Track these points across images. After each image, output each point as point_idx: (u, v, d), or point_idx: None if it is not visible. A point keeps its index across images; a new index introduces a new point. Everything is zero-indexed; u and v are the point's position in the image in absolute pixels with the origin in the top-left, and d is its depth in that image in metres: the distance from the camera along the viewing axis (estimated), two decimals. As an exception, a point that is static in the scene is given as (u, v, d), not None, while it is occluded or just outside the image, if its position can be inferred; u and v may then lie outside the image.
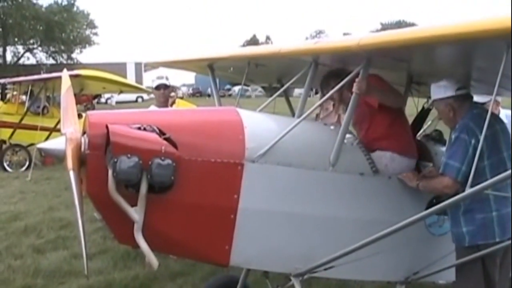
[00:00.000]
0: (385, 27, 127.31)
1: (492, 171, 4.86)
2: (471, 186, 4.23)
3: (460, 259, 5.26)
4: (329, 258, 4.96)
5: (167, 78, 9.57)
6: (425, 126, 6.78)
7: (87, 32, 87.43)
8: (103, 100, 58.50)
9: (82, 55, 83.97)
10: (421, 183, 5.27)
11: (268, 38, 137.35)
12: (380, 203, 5.32)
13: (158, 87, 9.40)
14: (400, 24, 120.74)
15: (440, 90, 5.24)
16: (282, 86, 7.51)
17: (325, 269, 5.08)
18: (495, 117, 5.27)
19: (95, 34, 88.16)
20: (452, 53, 4.63)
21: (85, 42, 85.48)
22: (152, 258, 4.52)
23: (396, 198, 5.37)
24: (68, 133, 4.55)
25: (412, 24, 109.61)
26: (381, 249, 5.00)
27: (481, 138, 4.35)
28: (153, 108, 8.54)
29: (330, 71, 5.92)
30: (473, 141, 4.91)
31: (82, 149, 4.52)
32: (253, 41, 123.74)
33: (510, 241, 5.03)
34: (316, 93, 9.32)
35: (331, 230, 5.12)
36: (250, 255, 5.01)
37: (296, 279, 5.19)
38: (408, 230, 4.84)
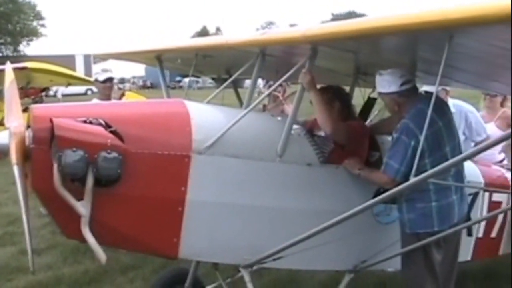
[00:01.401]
0: (335, 17, 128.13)
1: (433, 168, 4.90)
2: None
3: (403, 244, 5.39)
4: (277, 248, 4.98)
5: (111, 71, 9.46)
6: (372, 116, 6.84)
7: (34, 23, 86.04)
8: (51, 93, 57.71)
9: (30, 48, 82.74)
10: (363, 172, 5.35)
11: (218, 29, 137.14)
12: (328, 193, 5.35)
13: (105, 81, 9.25)
14: (350, 15, 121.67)
15: (384, 84, 5.27)
16: (231, 77, 7.50)
17: (274, 260, 5.11)
18: (441, 111, 5.27)
19: (43, 25, 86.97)
20: (397, 44, 4.68)
21: (32, 34, 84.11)
22: (99, 253, 4.49)
23: (344, 188, 5.41)
24: (12, 127, 4.48)
25: (363, 15, 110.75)
26: (329, 239, 5.03)
27: (422, 138, 4.43)
28: (95, 101, 8.41)
29: None
30: (412, 143, 4.99)
31: (27, 143, 4.44)
32: (203, 33, 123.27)
33: (449, 231, 5.21)
34: (268, 84, 9.33)
35: (280, 221, 5.14)
36: (198, 247, 5.00)
37: (245, 270, 5.22)
38: (356, 219, 4.87)
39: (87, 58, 79.95)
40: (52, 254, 9.26)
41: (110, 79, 9.32)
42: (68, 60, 58.46)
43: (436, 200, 5.21)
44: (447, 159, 4.94)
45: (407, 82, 5.25)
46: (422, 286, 5.38)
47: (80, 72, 50.08)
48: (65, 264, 8.81)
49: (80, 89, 53.57)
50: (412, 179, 4.35)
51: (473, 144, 7.94)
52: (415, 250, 5.28)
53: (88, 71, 69.03)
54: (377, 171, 5.32)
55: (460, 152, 5.36)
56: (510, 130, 4.48)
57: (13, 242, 10.01)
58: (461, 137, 7.81)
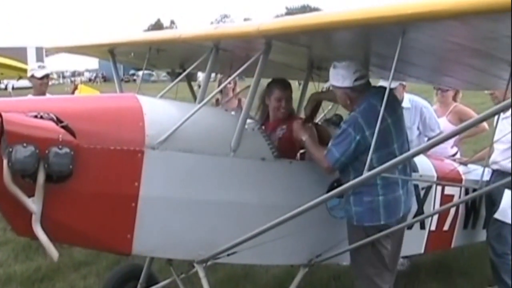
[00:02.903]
0: (290, 11, 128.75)
1: (380, 163, 4.79)
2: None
3: (350, 236, 5.46)
4: (231, 243, 4.97)
5: (47, 67, 9.31)
6: (325, 110, 6.86)
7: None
8: (2, 86, 56.75)
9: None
10: (308, 140, 5.46)
11: (172, 22, 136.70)
12: (282, 188, 5.36)
13: (42, 77, 9.06)
14: (304, 9, 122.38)
15: (339, 78, 5.28)
16: (185, 71, 7.46)
17: (228, 255, 5.10)
18: (391, 108, 5.26)
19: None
20: (351, 39, 4.71)
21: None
22: (51, 250, 4.44)
23: (298, 182, 5.42)
24: None
25: (317, 9, 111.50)
26: (283, 233, 5.04)
27: (375, 132, 4.44)
28: (30, 97, 8.18)
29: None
30: (358, 137, 5.10)
31: None
32: (158, 26, 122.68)
33: (395, 225, 5.33)
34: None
35: (233, 216, 5.13)
36: (152, 243, 4.96)
37: (200, 265, 5.19)
38: (310, 214, 4.91)
39: (39, 50, 78.89)
40: (3, 251, 9.11)
41: (47, 76, 9.17)
42: (19, 53, 57.49)
43: (383, 194, 5.27)
44: (395, 156, 5.01)
45: (361, 78, 5.28)
46: (372, 278, 5.44)
47: (32, 65, 49.29)
48: (16, 261, 8.68)
49: (32, 82, 52.77)
50: (366, 174, 4.41)
51: (426, 139, 8.01)
52: (366, 245, 5.33)
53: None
54: (320, 151, 5.38)
55: (408, 148, 5.45)
56: (461, 125, 4.52)
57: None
58: (415, 132, 7.92)
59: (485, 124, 7.99)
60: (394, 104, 5.43)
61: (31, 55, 77.13)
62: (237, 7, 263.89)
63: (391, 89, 5.64)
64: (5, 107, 4.47)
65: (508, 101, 3.93)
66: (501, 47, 4.07)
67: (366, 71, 5.45)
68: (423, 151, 4.51)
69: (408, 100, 8.05)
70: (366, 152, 4.64)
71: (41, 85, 9.09)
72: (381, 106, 4.51)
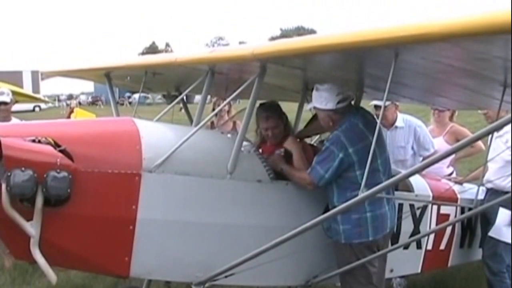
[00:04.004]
0: (284, 33, 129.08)
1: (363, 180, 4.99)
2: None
3: (338, 255, 5.53)
4: (229, 265, 4.99)
5: (8, 94, 9.06)
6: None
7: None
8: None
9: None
10: (285, 167, 5.53)
11: (167, 45, 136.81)
12: (279, 209, 5.40)
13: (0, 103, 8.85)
14: (299, 30, 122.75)
15: (322, 100, 5.39)
16: (181, 94, 7.51)
17: (226, 277, 5.11)
18: (371, 126, 5.35)
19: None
20: (345, 61, 4.77)
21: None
22: (50, 273, 4.47)
23: (294, 204, 5.46)
24: None
25: (312, 30, 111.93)
26: (280, 254, 5.06)
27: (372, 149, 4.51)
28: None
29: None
30: (340, 155, 5.23)
31: None
32: (152, 48, 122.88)
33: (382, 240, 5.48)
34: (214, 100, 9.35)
35: (231, 238, 5.16)
36: (150, 265, 4.97)
37: (198, 287, 5.21)
38: (306, 235, 4.97)
39: (34, 74, 79.02)
40: (0, 276, 9.08)
41: (5, 103, 8.91)
42: (15, 77, 57.64)
43: (370, 210, 5.36)
44: (378, 171, 5.18)
45: (343, 100, 5.39)
46: None
47: (27, 88, 49.39)
48: (14, 285, 8.62)
49: (28, 106, 52.94)
50: (363, 193, 4.45)
51: (421, 158, 8.06)
52: (352, 261, 5.38)
53: (36, 87, 68.18)
54: (300, 171, 5.48)
55: (389, 166, 5.62)
56: (456, 145, 4.58)
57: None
58: (410, 152, 7.96)
59: (481, 144, 8.06)
60: (374, 123, 5.51)
61: (27, 79, 77.28)
62: (232, 29, 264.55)
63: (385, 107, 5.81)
64: (3, 132, 4.53)
65: (501, 120, 4.00)
66: (492, 68, 4.15)
67: (348, 93, 5.53)
68: (419, 170, 4.56)
69: (402, 119, 8.11)
70: (349, 169, 5.01)
71: (2, 111, 8.86)
72: (362, 124, 4.93)
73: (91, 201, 4.63)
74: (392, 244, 5.93)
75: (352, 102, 6.41)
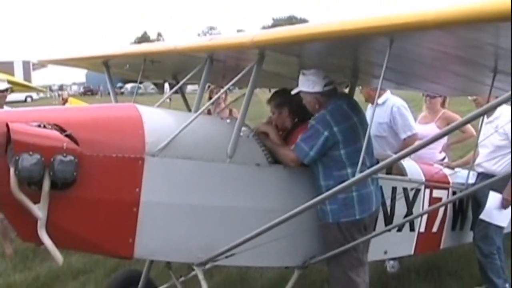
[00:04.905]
0: (276, 22, 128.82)
1: (349, 159, 5.42)
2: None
3: (325, 234, 5.68)
4: (229, 246, 5.12)
5: (4, 81, 9.25)
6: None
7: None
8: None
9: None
10: (269, 145, 5.63)
11: (159, 34, 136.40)
12: (277, 192, 5.54)
13: (2, 90, 8.99)
14: (291, 20, 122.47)
15: (309, 84, 5.56)
16: (177, 82, 7.61)
17: (226, 257, 5.24)
18: (356, 108, 5.73)
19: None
20: (341, 49, 4.89)
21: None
22: (56, 254, 4.59)
23: (291, 186, 5.60)
24: None
25: (303, 20, 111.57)
26: (278, 236, 5.20)
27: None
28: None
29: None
30: (325, 133, 5.41)
31: None
32: (144, 38, 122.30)
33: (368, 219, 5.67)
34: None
35: (231, 220, 5.29)
36: (153, 247, 5.10)
37: (199, 268, 5.34)
38: (303, 217, 5.15)
39: (26, 64, 78.52)
40: (1, 262, 9.22)
41: (6, 89, 9.14)
42: (6, 67, 57.22)
43: (357, 190, 5.53)
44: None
45: (329, 84, 5.59)
46: (347, 273, 5.65)
47: (19, 78, 49.05)
48: (15, 270, 8.77)
49: (20, 96, 52.80)
50: (358, 175, 4.62)
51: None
52: (341, 242, 5.54)
53: (27, 77, 67.74)
54: (284, 148, 5.65)
55: (372, 147, 5.88)
56: (446, 128, 4.71)
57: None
58: (387, 129, 8.02)
59: (472, 130, 8.21)
60: (357, 105, 5.82)
61: (18, 69, 76.77)
62: (223, 19, 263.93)
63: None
64: (11, 118, 4.65)
65: (489, 104, 4.14)
66: (483, 54, 4.31)
67: (333, 78, 5.69)
68: (410, 153, 4.68)
69: (384, 97, 8.16)
70: (334, 148, 5.28)
71: (1, 97, 9.01)
72: (347, 106, 5.28)
73: (96, 184, 4.75)
74: (386, 226, 6.09)
75: (347, 89, 6.62)
